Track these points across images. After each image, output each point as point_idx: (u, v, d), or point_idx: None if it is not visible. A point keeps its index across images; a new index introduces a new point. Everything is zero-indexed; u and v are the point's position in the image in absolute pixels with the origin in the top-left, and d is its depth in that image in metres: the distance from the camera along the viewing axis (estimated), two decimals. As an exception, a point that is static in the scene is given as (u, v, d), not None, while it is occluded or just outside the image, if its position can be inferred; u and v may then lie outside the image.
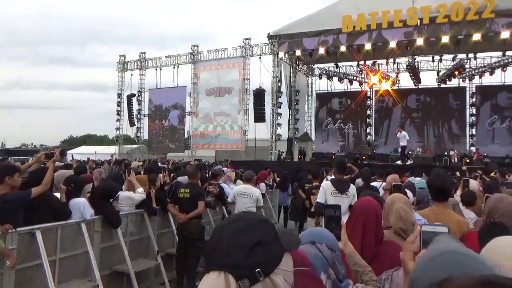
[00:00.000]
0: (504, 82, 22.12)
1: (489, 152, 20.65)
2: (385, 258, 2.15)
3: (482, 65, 21.37)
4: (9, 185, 3.67)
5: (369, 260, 2.13)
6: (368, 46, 18.37)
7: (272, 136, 21.61)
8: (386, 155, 20.21)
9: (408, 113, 24.70)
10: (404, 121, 24.62)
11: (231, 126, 23.48)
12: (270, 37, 21.41)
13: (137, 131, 27.81)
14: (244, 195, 6.70)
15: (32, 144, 66.94)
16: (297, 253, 1.68)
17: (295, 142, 23.18)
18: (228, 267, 0.88)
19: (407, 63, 21.42)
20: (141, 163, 14.21)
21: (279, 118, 22.02)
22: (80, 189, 4.64)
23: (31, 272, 3.75)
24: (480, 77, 21.96)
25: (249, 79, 23.34)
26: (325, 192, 4.93)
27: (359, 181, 7.64)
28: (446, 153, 20.09)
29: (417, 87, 23.81)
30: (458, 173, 8.37)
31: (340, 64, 22.80)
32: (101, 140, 68.81)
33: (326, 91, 26.60)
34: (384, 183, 5.99)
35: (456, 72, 20.89)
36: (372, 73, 22.59)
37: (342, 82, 24.32)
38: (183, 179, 6.60)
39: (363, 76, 23.52)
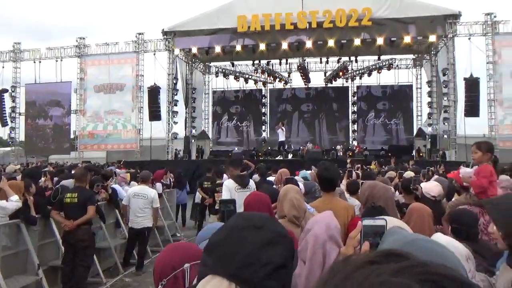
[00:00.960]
0: (379, 83, 24.96)
1: (368, 145, 23.15)
2: None
3: (362, 67, 23.75)
4: None
5: None
6: (262, 46, 19.03)
7: (168, 134, 21.03)
8: (280, 151, 21.18)
9: (299, 111, 26.32)
10: (295, 118, 26.24)
11: (124, 125, 22.15)
12: (164, 33, 20.75)
13: (11, 132, 24.41)
14: (139, 196, 6.43)
15: None
16: (195, 248, 1.63)
17: (193, 141, 22.94)
18: (243, 281, 0.80)
19: (298, 64, 22.76)
20: (18, 167, 12.79)
21: (175, 116, 21.51)
22: None
23: None
24: (360, 78, 24.37)
25: (143, 76, 22.30)
26: (229, 189, 5.07)
27: (256, 176, 7.83)
28: (333, 147, 21.93)
29: (307, 86, 25.51)
30: (349, 165, 9.14)
31: (236, 62, 23.21)
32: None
33: (222, 89, 26.87)
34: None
35: (341, 73, 22.93)
36: (267, 72, 23.52)
37: (238, 81, 24.80)
38: (68, 182, 6.04)
39: (258, 75, 24.29)
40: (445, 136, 19.24)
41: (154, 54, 21.65)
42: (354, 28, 17.96)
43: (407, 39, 18.02)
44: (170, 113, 21.10)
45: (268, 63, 22.88)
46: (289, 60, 22.75)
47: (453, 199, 4.11)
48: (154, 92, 21.24)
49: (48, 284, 4.94)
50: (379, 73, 23.10)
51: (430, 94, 21.94)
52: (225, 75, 24.02)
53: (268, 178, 6.89)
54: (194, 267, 1.28)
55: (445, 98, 18.90)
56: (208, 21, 19.70)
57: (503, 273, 1.73)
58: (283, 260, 0.86)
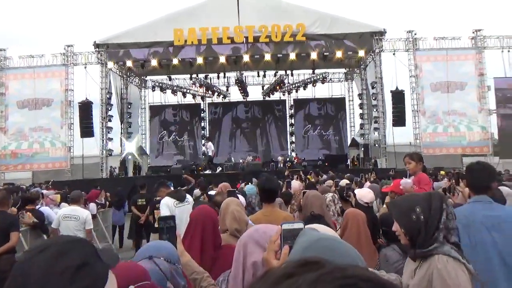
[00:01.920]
0: (314, 96, 25.97)
1: (306, 156, 23.86)
2: (225, 261, 2.19)
3: (298, 80, 24.56)
4: None
5: (209, 266, 2.13)
6: (200, 60, 18.96)
7: (103, 151, 20.00)
8: (220, 165, 21.10)
9: (238, 124, 26.49)
10: (235, 132, 26.35)
11: (52, 143, 20.62)
12: (96, 45, 19.88)
13: None
14: (70, 218, 5.98)
15: None
16: (137, 267, 1.53)
17: (129, 157, 22.03)
18: None
19: (235, 78, 22.97)
20: None
21: (109, 132, 20.56)
22: None
23: None
24: (296, 91, 25.16)
25: (73, 90, 21.05)
26: (168, 206, 4.99)
27: (197, 191, 7.70)
28: (273, 159, 22.28)
29: (245, 100, 25.79)
30: (291, 176, 9.36)
31: (173, 76, 22.84)
32: None
33: (160, 103, 26.27)
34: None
35: (278, 87, 23.52)
36: (205, 86, 23.42)
37: (176, 95, 24.39)
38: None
39: (196, 89, 24.10)
40: (376, 145, 20.44)
41: (85, 67, 20.61)
42: (289, 43, 18.59)
43: (338, 54, 19.01)
44: (104, 129, 20.13)
45: (206, 77, 22.81)
46: (227, 74, 22.91)
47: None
48: (85, 107, 20.17)
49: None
50: (314, 86, 24.05)
51: (361, 106, 23.25)
52: (162, 89, 23.52)
53: (209, 192, 6.78)
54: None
55: (375, 110, 20.15)
56: (143, 33, 19.27)
57: (407, 265, 1.94)
58: (80, 261, 0.82)
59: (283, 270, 0.52)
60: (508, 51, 20.41)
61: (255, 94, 25.69)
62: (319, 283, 0.48)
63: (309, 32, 18.65)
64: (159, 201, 6.68)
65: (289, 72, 22.33)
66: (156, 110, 26.48)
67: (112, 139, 20.75)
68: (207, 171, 18.22)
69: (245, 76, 24.03)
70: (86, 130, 20.00)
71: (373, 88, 19.99)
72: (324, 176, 10.28)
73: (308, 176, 10.39)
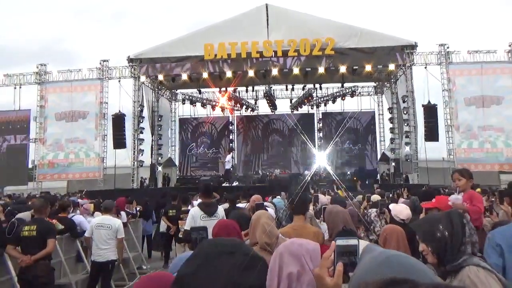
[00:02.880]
0: (343, 109, 25.72)
1: (335, 171, 23.53)
2: None
3: (326, 94, 24.44)
4: None
5: None
6: (229, 74, 19.24)
7: (134, 162, 20.51)
8: (248, 177, 21.15)
9: (266, 137, 26.56)
10: (263, 145, 26.43)
11: (87, 154, 21.38)
12: (130, 60, 20.60)
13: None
14: (103, 227, 6.13)
15: None
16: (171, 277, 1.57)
17: (159, 168, 22.47)
18: None
19: (264, 91, 23.12)
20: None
21: (141, 143, 21.10)
22: None
23: None
24: (325, 105, 25.02)
25: (107, 103, 21.84)
26: (194, 217, 4.92)
27: (225, 204, 7.71)
28: (300, 173, 22.13)
29: (273, 113, 25.88)
30: (329, 190, 9.26)
31: (202, 90, 23.28)
32: None
33: (189, 116, 26.76)
34: (247, 204, 6.20)
35: (306, 100, 23.48)
36: (234, 100, 23.71)
37: (205, 108, 24.81)
38: (24, 215, 5.69)
39: (224, 102, 24.41)
40: (408, 160, 19.93)
41: (119, 81, 21.35)
42: (318, 57, 18.59)
43: (368, 68, 18.82)
44: (136, 141, 20.67)
45: (234, 90, 23.09)
46: (256, 87, 23.08)
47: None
48: (118, 119, 20.82)
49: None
50: (343, 100, 23.80)
51: (391, 120, 22.81)
52: (192, 102, 23.98)
53: (238, 205, 6.78)
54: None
55: (406, 124, 19.71)
56: (175, 48, 19.80)
57: None
58: (259, 283, 0.83)
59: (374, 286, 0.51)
60: (548, 64, 19.57)
61: (283, 107, 25.78)
62: None
63: (338, 46, 18.59)
64: (186, 212, 6.77)
65: (317, 85, 22.28)
66: (185, 123, 26.98)
67: (143, 150, 21.24)
68: (225, 184, 18.12)
69: (273, 90, 24.16)
70: (119, 142, 20.59)
71: (404, 102, 19.59)
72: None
73: (338, 191, 10.25)
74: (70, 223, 6.51)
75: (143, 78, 20.61)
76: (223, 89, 22.19)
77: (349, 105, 25.43)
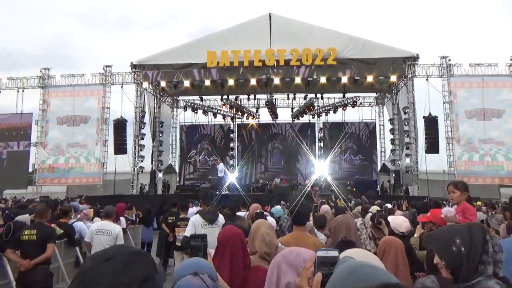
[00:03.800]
0: (344, 119, 25.75)
1: (335, 181, 23.44)
2: (254, 283, 2.19)
3: (328, 104, 24.50)
4: None
5: (238, 287, 2.14)
6: (231, 82, 19.33)
7: (134, 168, 20.50)
8: (247, 186, 21.11)
9: (266, 146, 26.57)
10: (263, 153, 26.43)
11: (87, 158, 21.39)
12: (133, 66, 20.73)
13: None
14: (103, 232, 6.10)
15: None
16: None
17: (159, 175, 22.45)
18: None
19: (266, 100, 23.18)
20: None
21: (142, 150, 21.12)
22: None
23: None
24: (326, 114, 25.04)
25: (109, 108, 21.92)
26: (194, 225, 4.94)
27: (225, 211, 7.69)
28: (301, 183, 22.09)
29: (275, 121, 25.92)
30: (315, 200, 9.23)
31: (204, 97, 23.36)
32: None
33: (191, 123, 26.81)
34: (247, 212, 6.20)
35: (307, 109, 23.52)
36: (235, 108, 23.77)
37: (207, 115, 24.87)
38: (23, 218, 5.69)
39: (226, 109, 24.49)
40: (408, 171, 19.91)
41: (122, 87, 21.45)
42: (320, 67, 18.68)
43: (369, 79, 18.90)
44: (137, 147, 20.69)
45: (236, 98, 23.18)
46: (257, 96, 23.14)
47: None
48: (120, 125, 20.87)
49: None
50: (344, 110, 23.85)
51: (392, 131, 22.83)
52: (194, 109, 24.05)
53: (238, 213, 6.77)
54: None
55: (407, 135, 19.73)
56: (177, 55, 19.91)
57: None
58: (145, 273, 0.86)
59: None
60: (549, 78, 19.64)
61: (284, 116, 25.84)
62: None
63: (341, 57, 18.70)
64: (183, 219, 6.75)
65: (319, 95, 22.36)
66: (186, 130, 27.03)
67: (144, 156, 21.25)
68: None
69: (275, 98, 24.23)
70: (120, 147, 20.61)
71: (405, 113, 19.64)
72: (353, 201, 10.09)
73: (337, 201, 10.23)
74: (69, 230, 6.50)
75: (145, 84, 20.70)
76: (225, 96, 22.27)
77: (350, 115, 25.51)
